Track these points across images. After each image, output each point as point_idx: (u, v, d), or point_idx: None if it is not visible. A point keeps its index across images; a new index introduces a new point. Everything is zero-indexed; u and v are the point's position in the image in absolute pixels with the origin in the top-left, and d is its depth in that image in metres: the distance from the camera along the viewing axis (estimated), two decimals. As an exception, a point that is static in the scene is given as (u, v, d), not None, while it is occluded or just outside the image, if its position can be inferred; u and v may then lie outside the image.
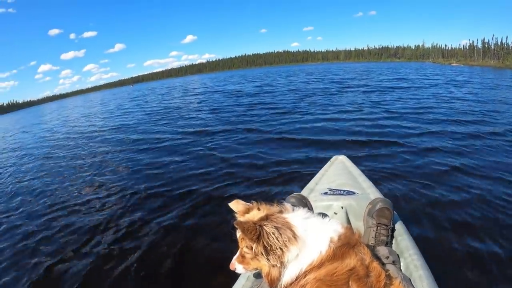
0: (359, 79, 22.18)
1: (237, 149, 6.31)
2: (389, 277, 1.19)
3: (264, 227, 1.11)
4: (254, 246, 1.13)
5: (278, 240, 1.09)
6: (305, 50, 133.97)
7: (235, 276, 1.55)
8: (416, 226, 3.02)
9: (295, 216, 1.20)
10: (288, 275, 1.13)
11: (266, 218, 1.15)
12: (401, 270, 1.60)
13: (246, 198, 1.32)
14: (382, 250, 1.63)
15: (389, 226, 1.78)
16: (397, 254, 1.70)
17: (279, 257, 1.10)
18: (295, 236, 1.11)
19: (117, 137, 9.34)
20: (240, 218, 1.22)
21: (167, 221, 3.60)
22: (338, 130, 7.17)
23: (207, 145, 6.91)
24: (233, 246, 1.29)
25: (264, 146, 6.28)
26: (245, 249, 1.19)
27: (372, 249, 1.57)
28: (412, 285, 1.43)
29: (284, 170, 4.76)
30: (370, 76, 24.65)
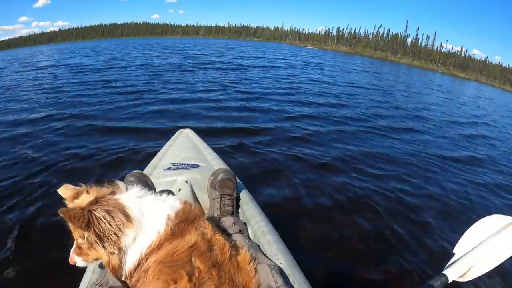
0: (218, 55, 22.13)
1: (59, 142, 4.73)
2: (235, 247, 1.19)
3: (93, 212, 0.98)
4: (86, 234, 1.00)
5: (110, 225, 0.99)
6: (165, 23, 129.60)
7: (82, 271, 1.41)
8: (261, 193, 3.22)
9: (128, 196, 1.10)
10: (129, 261, 1.05)
11: (96, 201, 1.02)
12: (249, 238, 1.62)
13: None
14: (228, 221, 1.63)
15: (233, 196, 1.79)
16: (244, 223, 1.72)
17: (115, 243, 1.01)
18: (129, 218, 1.03)
19: None
20: (69, 204, 1.06)
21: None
22: (184, 113, 6.48)
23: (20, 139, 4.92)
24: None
25: (91, 137, 4.96)
26: (79, 240, 1.04)
27: (218, 221, 1.59)
28: (261, 251, 1.47)
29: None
30: (228, 53, 25.00)
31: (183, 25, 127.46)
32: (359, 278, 2.45)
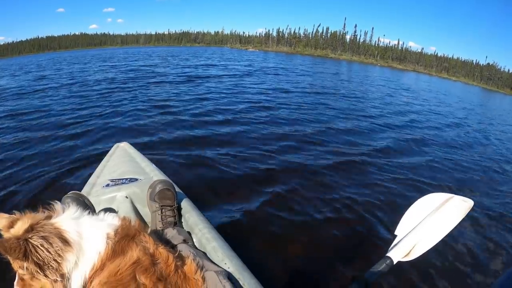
0: (163, 66, 19.92)
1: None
2: (180, 257, 1.19)
3: (29, 240, 0.94)
4: (25, 265, 0.95)
5: (49, 252, 0.95)
6: (104, 33, 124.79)
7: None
8: (204, 200, 3.15)
9: (64, 219, 1.05)
10: (75, 287, 1.00)
11: (31, 228, 0.97)
12: (194, 246, 1.62)
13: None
14: (171, 232, 1.62)
15: (173, 206, 1.78)
16: (188, 232, 1.73)
17: (56, 270, 0.96)
18: (67, 242, 0.99)
19: None
20: (5, 235, 1.00)
21: None
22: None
23: None
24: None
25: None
26: (20, 271, 0.99)
27: (161, 233, 1.58)
28: (208, 258, 1.47)
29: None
30: (175, 62, 23.19)
31: (122, 34, 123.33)
32: (308, 274, 2.49)
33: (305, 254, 2.69)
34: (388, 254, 1.55)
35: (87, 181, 2.22)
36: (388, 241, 2.00)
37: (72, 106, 7.77)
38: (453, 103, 16.73)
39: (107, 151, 2.72)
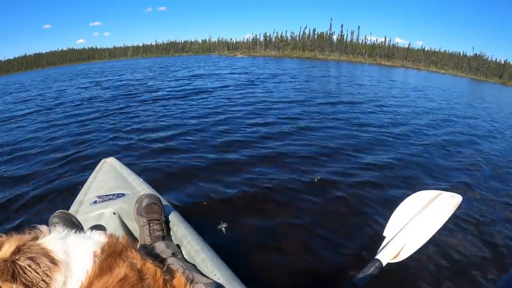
0: (155, 78, 18.59)
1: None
2: (169, 271, 1.20)
3: (17, 262, 0.95)
4: (14, 287, 0.95)
5: (37, 272, 0.96)
6: (92, 47, 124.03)
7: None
8: (192, 212, 3.08)
9: (50, 240, 1.06)
10: None
11: (18, 250, 0.98)
12: (184, 259, 1.62)
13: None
14: (160, 246, 1.62)
15: (161, 220, 1.78)
16: (177, 245, 1.73)
17: None
18: (54, 261, 1.00)
19: None
20: None
21: None
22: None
23: None
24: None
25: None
26: None
27: (150, 248, 1.58)
28: (198, 270, 1.48)
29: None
30: (168, 73, 22.03)
31: (110, 47, 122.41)
32: (299, 282, 2.49)
33: (294, 262, 2.67)
34: (377, 257, 1.56)
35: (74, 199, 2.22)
36: (377, 242, 2.00)
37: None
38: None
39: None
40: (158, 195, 1.89)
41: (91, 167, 2.85)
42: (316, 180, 4.05)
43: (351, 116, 8.36)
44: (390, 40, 79.38)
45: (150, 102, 10.21)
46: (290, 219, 3.26)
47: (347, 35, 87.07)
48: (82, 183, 2.52)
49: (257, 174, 4.24)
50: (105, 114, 8.52)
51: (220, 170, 4.38)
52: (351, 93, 13.53)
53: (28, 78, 34.96)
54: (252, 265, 2.52)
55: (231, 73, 20.60)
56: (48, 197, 3.80)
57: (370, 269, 1.50)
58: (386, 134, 6.82)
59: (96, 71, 31.29)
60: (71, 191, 3.66)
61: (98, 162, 2.81)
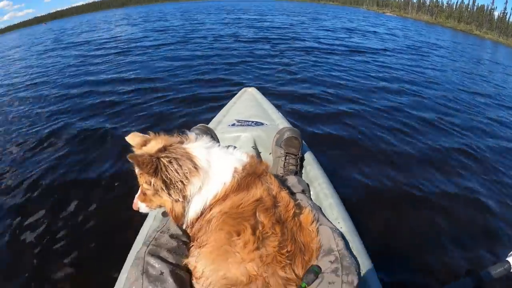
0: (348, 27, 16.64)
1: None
2: (298, 206, 1.17)
3: (161, 159, 1.00)
4: (152, 181, 1.01)
5: (177, 173, 1.00)
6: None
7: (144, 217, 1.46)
8: (325, 156, 3.08)
9: (196, 147, 1.10)
10: (192, 210, 1.06)
11: (164, 149, 1.03)
12: (311, 199, 1.58)
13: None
14: (291, 180, 1.58)
15: (297, 156, 1.75)
16: (307, 184, 1.68)
17: (180, 190, 1.02)
18: (196, 167, 1.03)
19: None
20: (137, 151, 1.08)
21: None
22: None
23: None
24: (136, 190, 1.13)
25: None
26: (144, 185, 1.06)
27: (282, 179, 1.55)
28: (323, 213, 1.42)
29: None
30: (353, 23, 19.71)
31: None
32: (418, 254, 2.34)
33: (418, 234, 2.52)
34: (508, 259, 1.36)
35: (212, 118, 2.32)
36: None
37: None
38: None
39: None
40: (299, 131, 1.83)
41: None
42: None
43: None
44: None
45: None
46: (428, 192, 3.03)
47: (510, 14, 73.67)
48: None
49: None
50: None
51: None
52: None
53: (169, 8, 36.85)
54: (374, 226, 2.45)
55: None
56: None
57: (498, 269, 1.35)
58: None
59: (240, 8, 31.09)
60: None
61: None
